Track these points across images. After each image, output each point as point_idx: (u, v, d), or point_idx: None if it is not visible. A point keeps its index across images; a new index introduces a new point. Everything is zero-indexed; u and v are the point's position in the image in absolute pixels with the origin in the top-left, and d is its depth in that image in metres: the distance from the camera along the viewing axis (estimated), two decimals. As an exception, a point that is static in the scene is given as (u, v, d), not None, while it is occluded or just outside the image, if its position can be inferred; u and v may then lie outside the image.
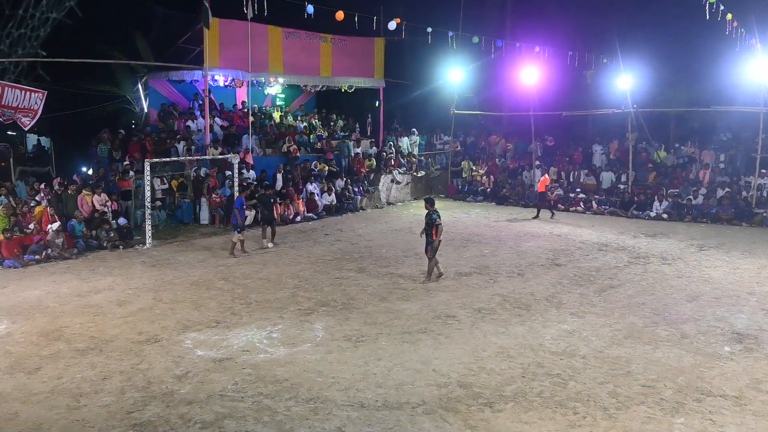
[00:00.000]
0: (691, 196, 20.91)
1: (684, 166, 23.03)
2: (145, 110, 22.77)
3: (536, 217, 20.26)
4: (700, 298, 11.41)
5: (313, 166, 22.04)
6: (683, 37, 24.18)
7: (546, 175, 21.16)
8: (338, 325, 9.87)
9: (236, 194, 17.71)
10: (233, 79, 21.37)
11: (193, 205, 18.94)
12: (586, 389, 7.54)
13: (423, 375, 7.93)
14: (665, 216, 20.34)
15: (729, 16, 20.39)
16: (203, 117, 20.50)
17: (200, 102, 21.53)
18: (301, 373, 8.00)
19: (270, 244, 15.75)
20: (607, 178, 23.43)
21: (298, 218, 19.47)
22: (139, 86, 22.85)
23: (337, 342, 9.12)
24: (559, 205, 22.33)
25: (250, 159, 20.16)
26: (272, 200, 16.95)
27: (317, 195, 20.71)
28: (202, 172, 19.24)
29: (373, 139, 25.65)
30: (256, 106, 23.79)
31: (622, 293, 11.71)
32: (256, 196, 16.93)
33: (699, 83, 23.90)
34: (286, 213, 19.29)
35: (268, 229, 16.07)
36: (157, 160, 17.39)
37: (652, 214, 20.60)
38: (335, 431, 6.54)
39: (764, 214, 19.28)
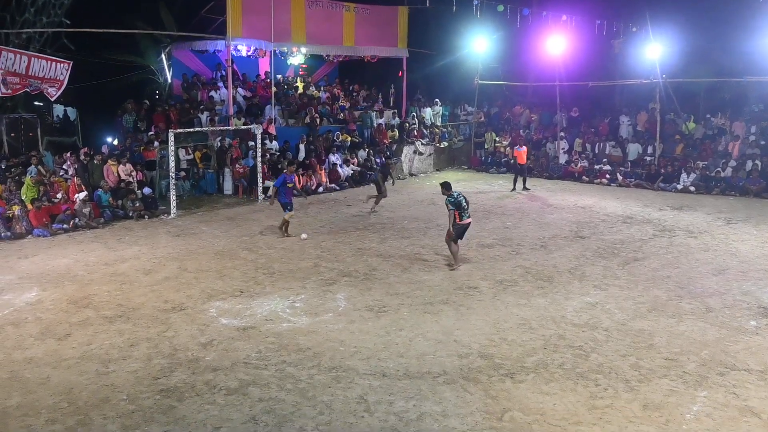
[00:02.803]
0: (719, 169, 20.51)
1: (713, 138, 22.56)
2: (169, 80, 22.85)
3: (514, 189, 19.91)
4: (726, 271, 11.27)
5: (335, 137, 22.00)
6: (715, 5, 23.45)
7: (525, 147, 20.58)
8: (360, 295, 9.94)
9: (259, 165, 17.81)
10: (256, 49, 21.29)
11: (216, 176, 19.07)
12: (608, 361, 7.53)
13: (444, 345, 7.98)
14: (692, 188, 20.03)
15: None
16: (226, 87, 20.52)
17: (223, 72, 21.53)
18: (323, 342, 8.10)
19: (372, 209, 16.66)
20: (633, 149, 23.05)
21: (321, 189, 19.53)
22: (163, 56, 22.89)
23: (359, 312, 9.20)
24: (584, 177, 22.10)
25: (272, 129, 20.20)
26: (390, 169, 17.92)
27: (339, 166, 20.71)
28: (226, 142, 19.32)
29: (395, 110, 25.48)
30: (279, 76, 23.74)
31: (647, 266, 11.60)
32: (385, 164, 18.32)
33: (731, 53, 23.21)
34: (309, 184, 19.34)
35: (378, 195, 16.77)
36: (181, 130, 17.50)
37: (679, 186, 20.29)
38: (357, 399, 6.63)
39: (796, 187, 18.87)
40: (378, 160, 21.48)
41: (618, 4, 25.70)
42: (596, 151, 23.67)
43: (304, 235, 13.62)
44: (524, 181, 20.07)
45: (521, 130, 26.24)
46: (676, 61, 22.66)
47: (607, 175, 21.93)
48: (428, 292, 10.06)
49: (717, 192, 19.65)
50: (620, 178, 21.63)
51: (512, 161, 21.41)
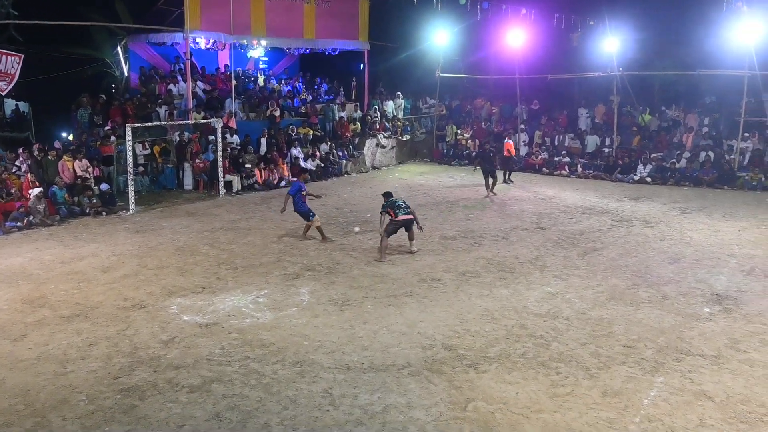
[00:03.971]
0: (674, 160, 21.03)
1: (668, 130, 23.09)
2: (126, 74, 22.37)
3: (506, 181, 20.15)
4: (681, 260, 11.57)
5: (296, 131, 21.85)
6: (669, 0, 23.99)
7: (510, 140, 20.97)
8: (324, 289, 9.92)
9: (220, 159, 17.60)
10: (215, 42, 20.98)
11: (176, 171, 18.76)
12: (568, 350, 7.67)
13: (408, 337, 8.02)
14: (649, 179, 20.50)
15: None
16: (185, 81, 20.19)
17: (181, 66, 21.18)
18: (287, 336, 8.06)
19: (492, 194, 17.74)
20: (591, 141, 23.46)
21: (283, 183, 19.37)
22: (119, 49, 22.40)
23: (323, 306, 9.18)
24: (544, 169, 22.42)
25: (233, 123, 19.95)
26: (491, 153, 18.67)
27: (301, 159, 20.59)
28: (185, 137, 19.02)
29: (357, 103, 25.42)
30: (238, 69, 23.45)
31: (605, 256, 11.84)
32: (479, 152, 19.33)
33: (685, 46, 23.74)
34: (270, 178, 19.19)
35: (490, 180, 17.79)
36: (139, 124, 17.15)
37: (636, 177, 20.75)
38: (322, 393, 6.62)
39: (746, 178, 19.48)
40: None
41: (575, -2, 26.05)
42: (556, 144, 24.02)
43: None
44: (509, 174, 20.33)
45: (482, 123, 26.46)
46: (633, 55, 23.10)
47: (567, 167, 22.30)
48: (392, 285, 10.10)
49: (672, 183, 20.15)
50: (579, 169, 22.01)
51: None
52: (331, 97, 25.26)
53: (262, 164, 19.22)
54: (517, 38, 23.24)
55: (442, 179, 21.16)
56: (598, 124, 24.35)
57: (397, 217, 11.66)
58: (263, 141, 20.24)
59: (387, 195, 12.35)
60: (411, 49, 26.15)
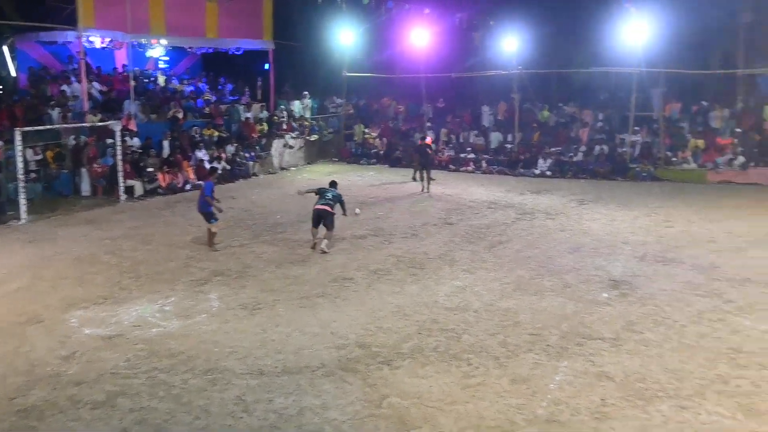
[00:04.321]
0: (572, 154, 22.05)
1: (565, 125, 24.17)
2: (14, 74, 21.01)
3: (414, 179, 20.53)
4: (580, 249, 12.13)
5: (200, 132, 21.27)
6: (564, 1, 25.09)
7: (429, 138, 21.48)
8: (234, 293, 9.72)
9: (120, 163, 16.88)
10: (111, 41, 20.09)
11: (72, 176, 17.80)
12: (478, 341, 7.88)
13: (322, 338, 7.99)
14: (549, 173, 21.39)
15: (604, -21, 21.30)
16: (78, 81, 19.21)
17: (75, 65, 20.14)
18: (197, 344, 7.84)
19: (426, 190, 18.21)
20: (495, 138, 24.21)
21: (188, 186, 18.79)
22: (5, 48, 21.00)
23: (233, 311, 8.99)
24: (451, 166, 22.92)
25: (133, 125, 19.17)
26: (428, 150, 19.06)
27: (206, 162, 20.05)
28: (81, 140, 18.08)
29: (263, 103, 25.06)
30: (137, 69, 22.55)
31: (511, 248, 12.24)
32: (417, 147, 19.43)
33: (579, 45, 24.89)
34: (174, 181, 18.59)
35: (425, 174, 18.31)
36: (29, 128, 16.15)
37: (537, 171, 21.60)
38: (235, 400, 6.49)
39: (637, 169, 20.71)
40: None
41: (475, -1, 26.76)
42: (461, 141, 24.61)
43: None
44: (428, 172, 20.52)
45: (390, 122, 26.74)
46: (531, 53, 23.99)
47: (472, 164, 22.91)
48: (303, 286, 10.02)
49: (570, 176, 21.12)
50: (484, 165, 22.67)
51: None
52: (236, 98, 24.76)
53: (165, 167, 18.58)
54: (421, 38, 23.65)
55: (351, 178, 21.20)
56: (501, 121, 25.16)
57: (314, 205, 12.22)
58: (166, 143, 19.56)
59: (330, 184, 13.13)
60: (317, 49, 26.04)
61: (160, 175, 18.29)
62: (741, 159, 20.14)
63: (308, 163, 24.72)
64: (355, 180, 20.88)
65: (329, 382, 6.86)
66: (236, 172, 20.84)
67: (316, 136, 25.65)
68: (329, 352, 7.61)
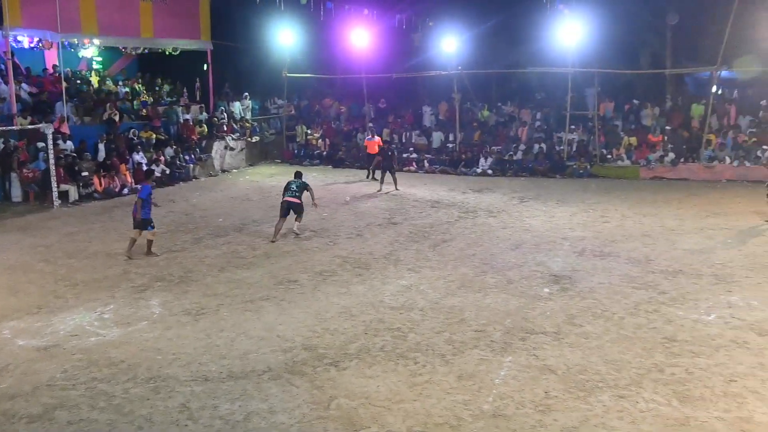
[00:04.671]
0: (512, 152, 22.50)
1: (505, 125, 24.65)
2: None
3: (373, 178, 20.66)
4: (522, 246, 12.39)
5: (137, 135, 20.72)
6: (500, 1, 25.57)
7: (377, 138, 21.62)
8: (176, 299, 9.52)
9: (53, 167, 16.28)
10: (40, 41, 19.34)
11: (1, 182, 17.05)
12: (424, 339, 7.95)
13: (267, 342, 7.91)
14: (490, 172, 21.76)
15: (539, -18, 21.85)
16: (6, 83, 18.41)
17: (2, 66, 19.30)
18: (138, 353, 7.63)
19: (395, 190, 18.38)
20: (437, 137, 24.48)
21: (125, 190, 18.27)
22: None
23: (175, 317, 8.80)
24: (393, 166, 23.00)
25: (66, 129, 18.50)
26: (390, 153, 19.25)
27: (145, 165, 19.54)
28: (11, 144, 17.32)
29: (203, 105, 24.58)
30: (69, 70, 21.78)
31: (454, 246, 12.40)
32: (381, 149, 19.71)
33: (516, 46, 25.47)
34: (111, 185, 18.05)
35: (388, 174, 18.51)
36: (-47, 132, 15.42)
37: (479, 170, 21.94)
38: (179, 408, 6.35)
39: (574, 166, 21.30)
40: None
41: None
42: (404, 141, 24.77)
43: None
44: (372, 172, 20.81)
45: (332, 123, 26.69)
46: (470, 54, 24.38)
47: (415, 163, 23.09)
48: (248, 290, 9.90)
49: (511, 174, 21.55)
50: (426, 165, 22.89)
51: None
52: (175, 99, 24.21)
53: (101, 171, 18.01)
54: (361, 38, 23.70)
55: (295, 179, 21.05)
56: (442, 121, 25.46)
57: (282, 198, 13.05)
58: (101, 146, 18.95)
59: (295, 175, 13.81)
60: (257, 49, 25.75)
61: (95, 180, 17.72)
62: (671, 155, 20.99)
63: (250, 165, 24.41)
64: (298, 181, 20.72)
65: (276, 385, 6.79)
66: (176, 175, 20.39)
67: (257, 137, 25.34)
68: (275, 355, 7.53)
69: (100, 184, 17.75)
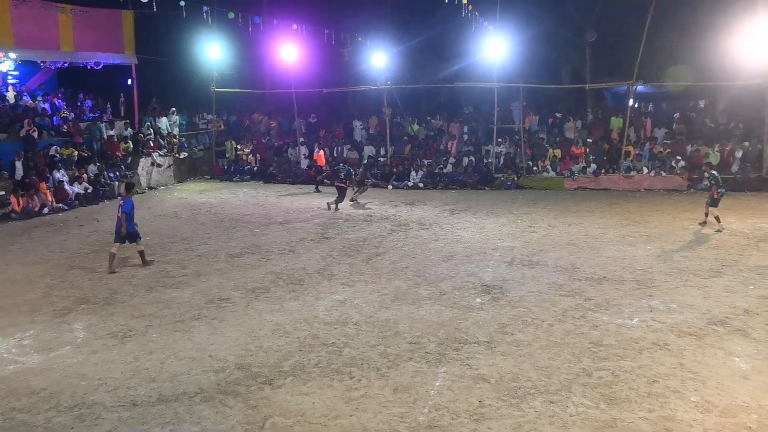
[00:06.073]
0: (442, 165, 22.87)
1: (435, 138, 25.06)
2: None
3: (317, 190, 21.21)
4: (454, 257, 12.58)
5: (59, 151, 19.92)
6: (427, 18, 26.08)
7: (322, 151, 21.91)
8: (101, 322, 9.16)
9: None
10: (-50, 54, 18.40)
11: None
12: (359, 354, 7.94)
13: (199, 362, 7.72)
14: (421, 185, 22.04)
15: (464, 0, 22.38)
16: None
17: None
18: (61, 379, 7.30)
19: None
20: (368, 151, 24.61)
21: (46, 210, 17.52)
22: None
23: (101, 341, 8.47)
24: (325, 181, 22.97)
25: (-21, 146, 17.62)
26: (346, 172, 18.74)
27: (66, 183, 18.81)
28: None
29: (127, 120, 23.92)
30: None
31: (388, 259, 12.46)
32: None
33: (444, 61, 26.01)
34: (30, 205, 17.24)
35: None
36: None
37: (410, 183, 22.18)
38: (106, 435, 6.11)
39: (502, 178, 21.83)
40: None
41: (342, 15, 27.16)
42: (335, 155, 24.78)
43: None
44: (317, 184, 21.20)
45: (262, 138, 26.44)
46: (399, 69, 24.73)
47: (347, 177, 23.12)
48: (178, 310, 9.64)
49: (441, 186, 21.89)
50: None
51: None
52: (98, 115, 23.41)
53: (19, 190, 17.20)
54: (290, 53, 23.64)
55: (225, 196, 20.74)
56: (373, 135, 25.65)
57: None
58: (19, 164, 18.12)
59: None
60: (184, 64, 25.28)
61: (13, 199, 16.90)
62: (593, 166, 21.82)
63: (178, 182, 23.86)
64: (228, 197, 20.43)
65: (209, 407, 6.63)
66: (100, 193, 19.70)
67: (185, 153, 24.83)
68: (207, 376, 7.36)
69: (18, 204, 16.94)
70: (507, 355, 7.83)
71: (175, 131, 25.06)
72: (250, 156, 25.29)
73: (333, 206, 17.77)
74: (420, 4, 26.16)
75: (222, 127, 26.95)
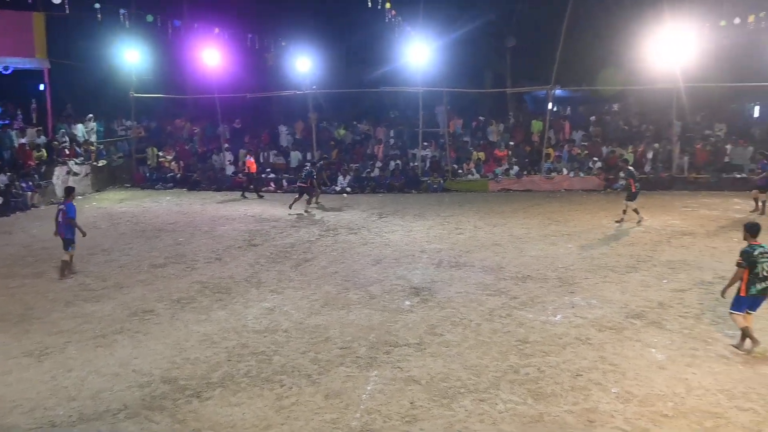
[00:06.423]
0: (369, 169, 22.96)
1: (361, 143, 25.14)
2: None
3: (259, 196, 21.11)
4: (383, 260, 12.65)
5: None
6: (351, 22, 26.16)
7: (251, 158, 21.65)
8: (15, 340, 8.70)
9: None
10: None
11: None
12: (290, 361, 7.86)
13: (122, 378, 7.45)
14: (349, 189, 22.05)
15: (387, 4, 22.56)
16: None
17: None
18: (-29, 403, 6.89)
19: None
20: (294, 157, 24.43)
21: (-49, 223, 16.53)
22: None
23: (15, 360, 8.04)
24: (251, 187, 22.68)
25: None
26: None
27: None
28: None
29: (40, 127, 22.79)
30: None
31: (317, 265, 12.40)
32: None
33: (369, 66, 26.16)
34: (-66, 219, 16.23)
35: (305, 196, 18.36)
36: None
37: (338, 188, 22.15)
38: (22, 459, 5.81)
39: (428, 181, 22.13)
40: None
41: (265, 19, 26.88)
42: (261, 161, 24.45)
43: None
44: (257, 190, 21.13)
45: (185, 144, 25.81)
46: (324, 74, 24.67)
47: (273, 183, 22.89)
48: (98, 324, 9.27)
49: (369, 190, 21.97)
50: (285, 184, 22.75)
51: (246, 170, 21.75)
52: (8, 122, 22.22)
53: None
54: (212, 57, 23.18)
55: (147, 204, 20.12)
56: (299, 140, 25.48)
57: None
58: None
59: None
60: (101, 69, 24.36)
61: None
62: (516, 168, 22.42)
63: (97, 191, 22.96)
64: (150, 206, 19.82)
65: (133, 424, 6.41)
66: (12, 205, 18.70)
67: (104, 161, 23.93)
68: (132, 391, 7.11)
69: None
70: (437, 356, 7.93)
71: (93, 138, 24.10)
72: (173, 163, 24.63)
73: (294, 205, 18.29)
74: (343, 9, 26.20)
75: (142, 133, 26.13)
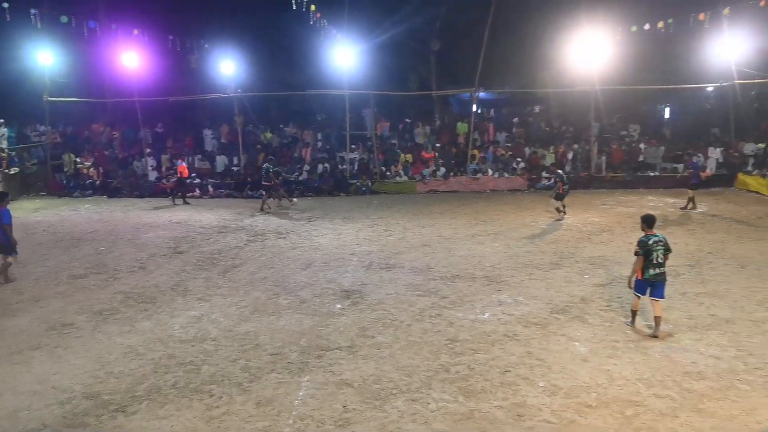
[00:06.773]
0: (297, 173, 22.79)
1: (289, 146, 24.93)
2: None
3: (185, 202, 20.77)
4: (312, 264, 12.58)
5: None
6: (276, 25, 25.89)
7: (183, 163, 21.25)
8: None
9: None
10: None
11: None
12: (219, 370, 7.71)
13: (41, 396, 7.11)
14: (297, 193, 21.80)
15: (312, 7, 22.46)
16: None
17: None
18: None
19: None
20: (220, 161, 23.99)
21: None
22: None
23: None
24: (179, 193, 22.11)
25: None
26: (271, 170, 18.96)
27: None
28: None
29: (-56, 134, 21.52)
30: None
31: (245, 271, 12.21)
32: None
33: (294, 68, 25.97)
34: None
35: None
36: None
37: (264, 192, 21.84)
38: (-70, 488, 5.45)
39: (357, 184, 22.16)
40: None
41: (187, 21, 26.26)
42: (186, 165, 23.84)
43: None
44: (183, 197, 20.81)
45: (105, 149, 24.89)
46: (249, 77, 24.31)
47: (198, 189, 22.37)
48: (13, 340, 8.81)
49: (297, 194, 21.77)
50: (211, 189, 22.29)
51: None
52: None
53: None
54: (132, 60, 22.46)
55: (64, 213, 19.27)
56: (225, 144, 25.01)
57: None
58: None
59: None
60: (11, 71, 23.15)
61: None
62: (443, 170, 22.77)
63: (11, 200, 21.76)
64: (69, 215, 18.99)
65: (54, 443, 6.13)
66: None
67: (16, 168, 22.76)
68: (51, 409, 6.79)
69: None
70: (369, 358, 7.96)
71: (4, 145, 22.89)
72: (92, 169, 23.69)
73: (266, 205, 18.85)
74: (267, 12, 25.90)
75: (58, 139, 25.01)
